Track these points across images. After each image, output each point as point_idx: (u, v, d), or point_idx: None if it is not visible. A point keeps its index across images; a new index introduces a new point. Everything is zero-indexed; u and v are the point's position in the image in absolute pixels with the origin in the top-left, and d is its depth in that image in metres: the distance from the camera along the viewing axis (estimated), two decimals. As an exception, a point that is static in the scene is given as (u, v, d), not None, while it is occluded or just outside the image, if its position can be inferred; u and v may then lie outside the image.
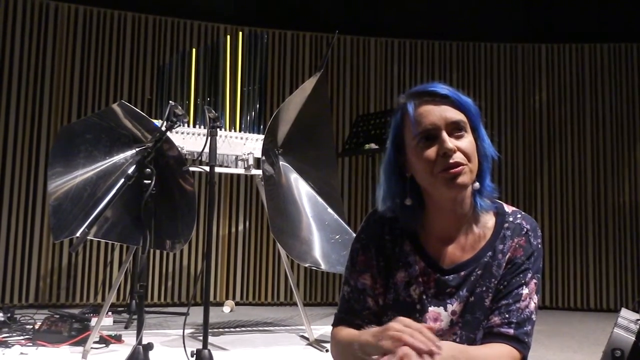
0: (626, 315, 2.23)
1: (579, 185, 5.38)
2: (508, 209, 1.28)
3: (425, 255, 1.25)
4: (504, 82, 5.59)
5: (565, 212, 5.37)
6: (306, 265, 3.22)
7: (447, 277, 1.23)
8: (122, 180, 2.26)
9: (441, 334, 1.22)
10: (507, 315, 1.18)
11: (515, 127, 5.52)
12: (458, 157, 1.16)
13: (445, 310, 1.23)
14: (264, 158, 3.16)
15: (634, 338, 2.08)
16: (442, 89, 1.20)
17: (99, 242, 4.69)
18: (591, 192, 5.35)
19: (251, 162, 3.42)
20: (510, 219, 1.25)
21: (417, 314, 1.23)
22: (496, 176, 5.57)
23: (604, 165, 5.37)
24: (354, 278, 1.30)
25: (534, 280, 1.21)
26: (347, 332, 1.25)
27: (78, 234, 2.45)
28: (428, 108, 1.19)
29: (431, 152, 1.17)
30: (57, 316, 3.19)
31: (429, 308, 1.23)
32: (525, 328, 1.18)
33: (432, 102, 1.19)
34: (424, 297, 1.23)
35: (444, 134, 1.17)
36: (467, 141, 1.18)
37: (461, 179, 1.17)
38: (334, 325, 1.32)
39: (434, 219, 1.25)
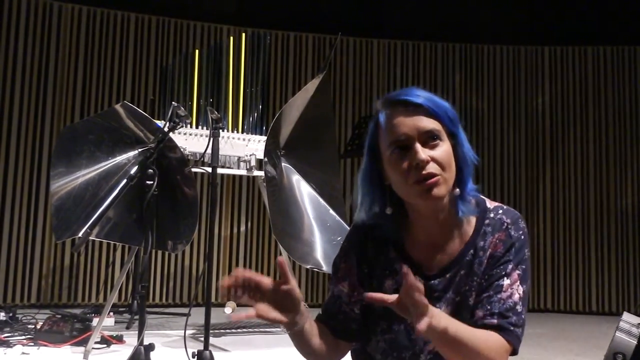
0: (628, 319, 2.22)
1: (582, 188, 5.37)
2: (490, 204, 1.26)
3: (410, 261, 1.23)
4: (506, 84, 5.59)
5: (568, 215, 5.36)
6: (308, 266, 3.22)
7: (433, 282, 1.22)
8: (125, 180, 2.26)
9: None
10: (488, 307, 1.16)
11: (518, 129, 5.51)
12: (432, 167, 1.14)
13: None
14: (266, 159, 3.16)
15: (635, 342, 2.08)
16: (416, 96, 1.17)
17: (101, 243, 4.69)
18: (594, 195, 5.34)
19: (253, 163, 3.43)
20: (491, 215, 1.24)
21: (408, 320, 1.19)
22: (498, 179, 5.59)
23: (606, 168, 5.36)
24: (333, 284, 1.31)
25: (517, 272, 1.18)
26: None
27: (80, 234, 2.45)
28: (400, 118, 1.16)
29: (405, 163, 1.15)
30: (59, 316, 3.19)
31: None
32: (510, 318, 1.15)
33: (405, 111, 1.16)
34: None
35: (417, 145, 1.14)
36: (441, 150, 1.16)
37: (436, 191, 1.14)
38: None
39: (416, 225, 1.23)
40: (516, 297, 1.16)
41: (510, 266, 1.19)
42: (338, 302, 1.29)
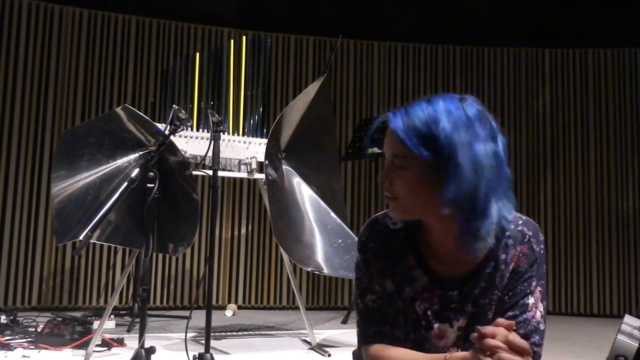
0: (630, 321, 2.22)
1: (583, 191, 5.37)
2: (508, 215, 1.22)
3: (428, 270, 1.21)
4: (507, 86, 5.59)
5: (569, 217, 5.36)
6: (308, 269, 3.22)
7: (451, 293, 1.20)
8: (126, 183, 2.26)
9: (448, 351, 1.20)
10: (514, 328, 1.13)
11: (519, 132, 5.51)
12: (387, 189, 1.16)
13: (452, 327, 1.20)
14: (267, 162, 3.16)
15: (637, 344, 2.08)
16: (393, 118, 1.15)
17: (101, 245, 4.69)
18: (595, 198, 5.34)
19: (254, 166, 3.43)
20: (512, 226, 1.20)
21: (423, 330, 1.20)
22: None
23: (607, 170, 5.35)
24: (377, 284, 1.22)
25: (539, 288, 1.17)
26: (403, 354, 1.17)
27: (81, 237, 2.45)
28: (387, 134, 1.18)
29: None
30: (60, 319, 3.19)
31: (434, 325, 1.20)
32: (533, 339, 1.14)
33: (389, 129, 1.17)
34: (428, 313, 1.20)
35: (386, 164, 1.17)
36: (401, 175, 1.14)
37: (392, 212, 1.18)
38: (368, 342, 1.21)
39: (430, 233, 1.21)
40: (538, 315, 1.16)
41: (533, 283, 1.18)
42: (393, 300, 1.21)
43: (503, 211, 1.15)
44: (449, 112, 1.11)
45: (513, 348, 0.99)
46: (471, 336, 1.04)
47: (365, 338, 1.21)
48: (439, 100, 1.14)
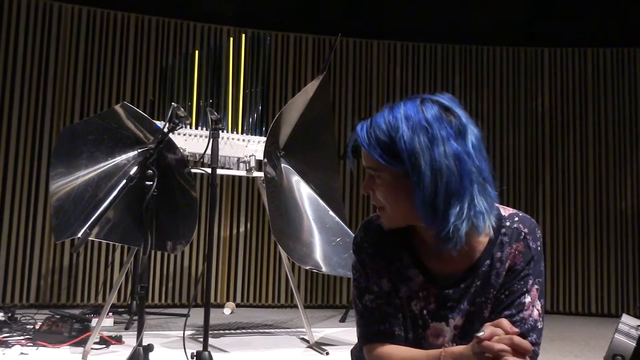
0: (627, 321, 2.23)
1: (581, 190, 5.38)
2: (505, 212, 1.22)
3: (424, 268, 1.21)
4: (506, 86, 5.59)
5: (567, 217, 5.37)
6: (307, 267, 3.22)
7: (447, 291, 1.19)
8: (124, 181, 2.26)
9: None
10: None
11: (517, 131, 5.52)
12: (373, 199, 1.19)
13: (448, 325, 1.20)
14: (265, 160, 3.16)
15: (634, 344, 2.08)
16: (359, 130, 1.16)
17: (100, 243, 4.69)
18: (593, 197, 5.34)
19: (253, 164, 3.43)
20: (507, 223, 1.20)
21: (420, 329, 1.21)
22: (497, 180, 5.56)
23: (605, 170, 5.36)
24: (374, 284, 1.22)
25: (536, 286, 1.16)
26: (403, 352, 1.17)
27: (79, 235, 2.45)
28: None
29: None
30: (58, 316, 3.19)
31: (431, 324, 1.20)
32: (530, 338, 1.13)
33: None
34: (425, 312, 1.20)
35: (367, 176, 1.19)
36: (379, 186, 1.16)
37: (382, 222, 1.20)
38: (369, 341, 1.21)
39: (423, 233, 1.20)
40: (535, 314, 1.15)
41: (530, 281, 1.17)
42: (391, 299, 1.21)
43: (479, 207, 1.12)
44: (407, 118, 1.11)
45: (518, 350, 0.99)
46: (473, 342, 1.03)
47: (366, 338, 1.22)
48: (401, 105, 1.15)
